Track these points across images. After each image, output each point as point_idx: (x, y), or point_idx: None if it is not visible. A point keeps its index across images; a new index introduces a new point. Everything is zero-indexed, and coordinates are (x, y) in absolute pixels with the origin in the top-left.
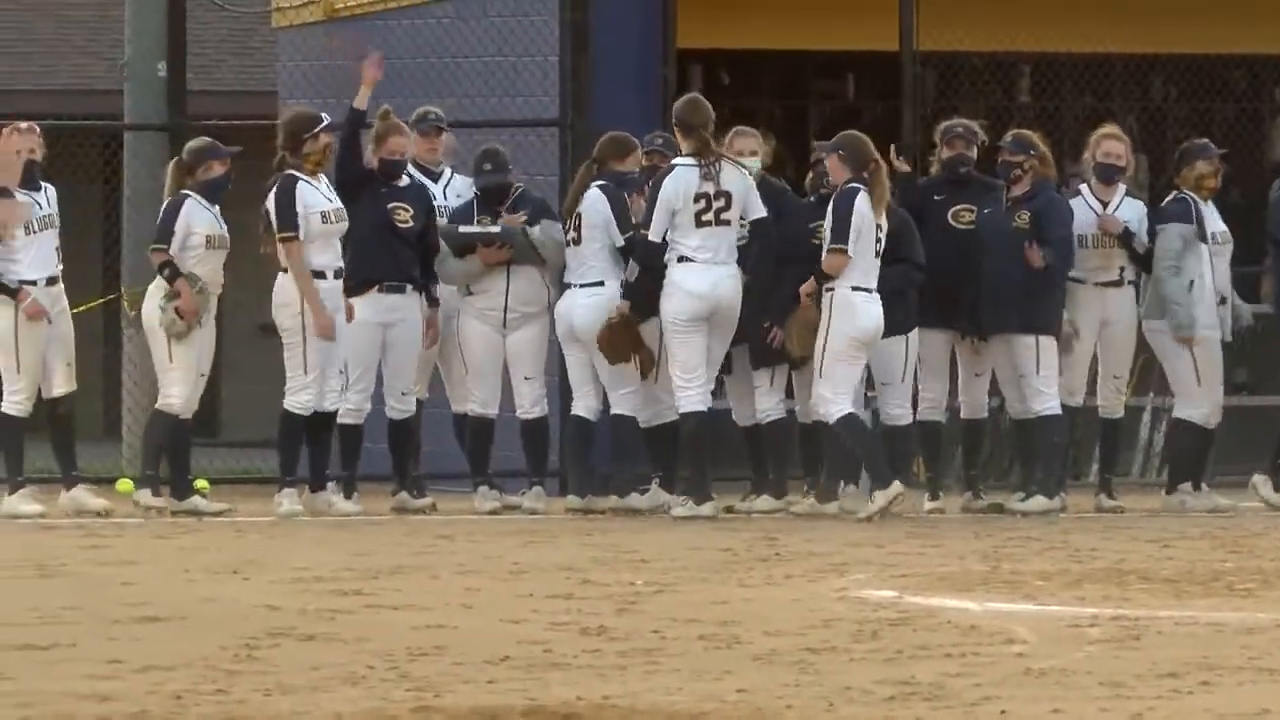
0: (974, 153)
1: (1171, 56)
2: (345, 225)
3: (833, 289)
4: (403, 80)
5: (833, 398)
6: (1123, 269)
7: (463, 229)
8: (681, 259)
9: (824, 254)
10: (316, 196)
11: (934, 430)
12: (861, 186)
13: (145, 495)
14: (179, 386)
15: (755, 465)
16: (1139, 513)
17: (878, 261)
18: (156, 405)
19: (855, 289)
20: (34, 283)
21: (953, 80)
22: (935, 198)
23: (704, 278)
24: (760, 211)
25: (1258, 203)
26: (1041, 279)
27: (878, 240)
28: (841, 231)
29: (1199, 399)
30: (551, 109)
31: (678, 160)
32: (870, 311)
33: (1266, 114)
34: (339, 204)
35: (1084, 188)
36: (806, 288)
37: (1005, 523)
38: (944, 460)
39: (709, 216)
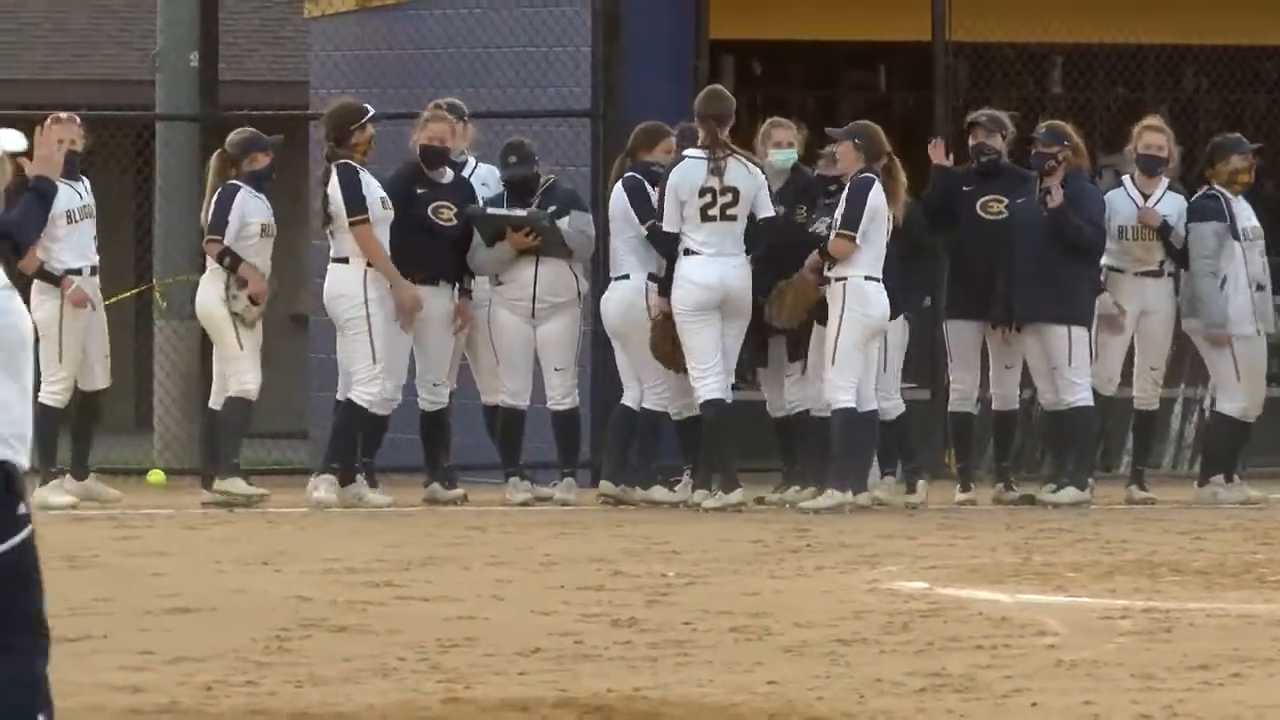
0: (997, 142)
1: (1203, 48)
2: (392, 215)
3: (845, 278)
4: (435, 71)
5: (844, 385)
6: (1162, 261)
7: (491, 210)
8: (688, 251)
9: (832, 237)
10: (373, 186)
11: (965, 421)
12: (876, 177)
13: (239, 484)
14: (251, 373)
15: (785, 456)
16: (1170, 504)
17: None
18: (230, 394)
19: (868, 278)
20: (78, 271)
21: (985, 71)
22: (964, 188)
23: (710, 269)
24: (768, 211)
25: None
26: (1073, 269)
27: (887, 232)
28: (853, 219)
29: (1238, 393)
30: (583, 99)
31: (687, 152)
32: (881, 301)
33: None
34: (385, 193)
35: (1126, 179)
36: (811, 262)
37: (1036, 514)
38: (975, 451)
39: (714, 211)
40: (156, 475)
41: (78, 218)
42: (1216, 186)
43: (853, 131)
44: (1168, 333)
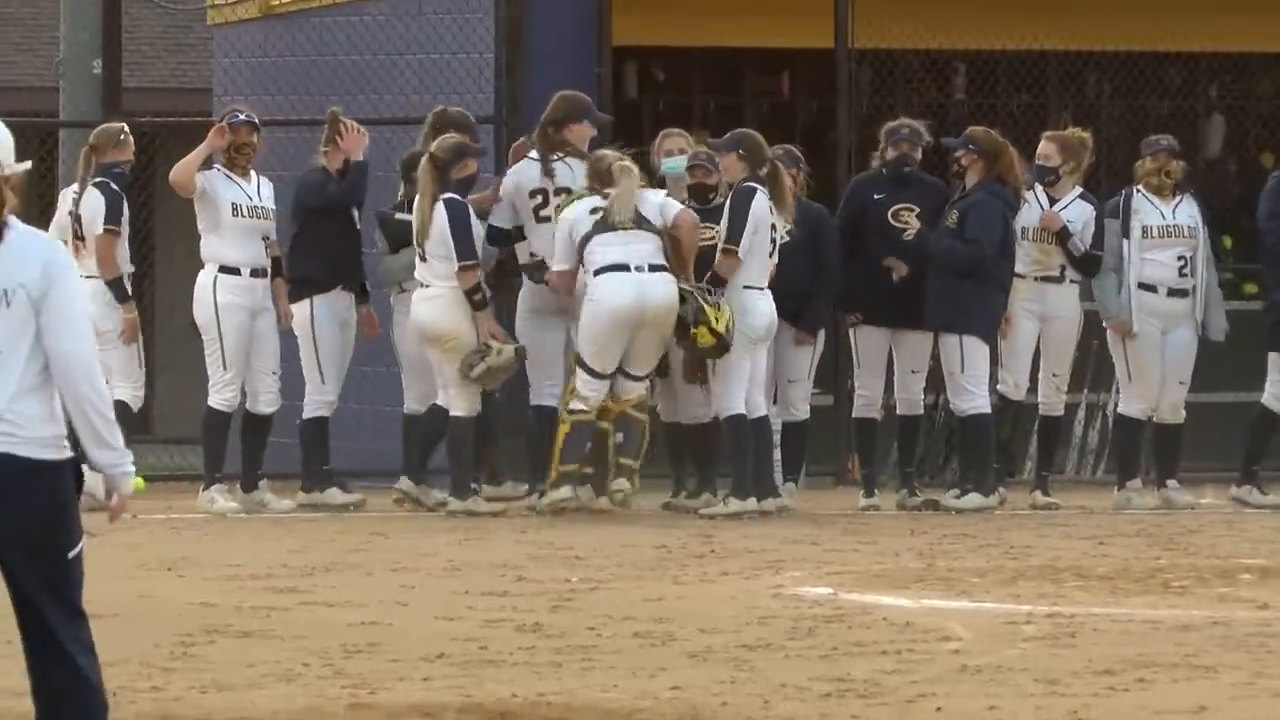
0: (919, 154)
1: (1106, 53)
2: (266, 224)
3: (724, 287)
4: (338, 78)
5: (732, 394)
6: (1063, 266)
7: (399, 215)
8: (531, 254)
9: (718, 255)
10: (230, 188)
11: (869, 427)
12: (759, 186)
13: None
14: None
15: (676, 462)
16: (1074, 510)
17: (772, 260)
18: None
19: (747, 288)
20: None
21: (888, 78)
22: (875, 196)
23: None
24: None
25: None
26: (967, 279)
27: (773, 240)
28: (736, 232)
29: (1132, 393)
30: (487, 106)
31: (530, 153)
32: (760, 309)
33: (1201, 111)
34: (262, 201)
35: (1038, 185)
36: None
37: (940, 520)
38: (879, 457)
39: (547, 212)
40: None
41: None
42: (1135, 187)
43: (735, 141)
44: (1070, 338)
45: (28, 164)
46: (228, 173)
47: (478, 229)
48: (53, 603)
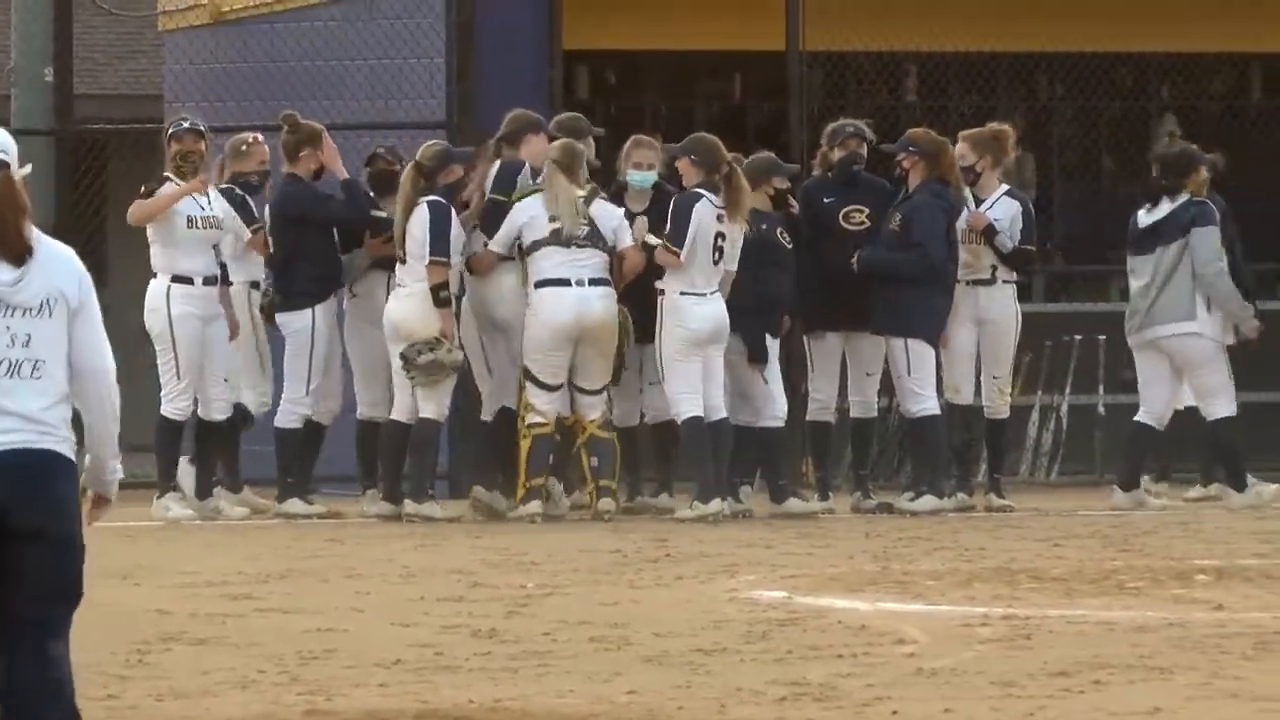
0: (864, 151)
1: (1057, 54)
2: (218, 233)
3: (663, 292)
4: (290, 84)
5: (682, 397)
6: (994, 267)
7: (373, 212)
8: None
9: (658, 250)
10: (186, 201)
11: (824, 430)
12: (704, 193)
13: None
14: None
15: (629, 466)
16: (1028, 512)
17: (719, 267)
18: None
19: (684, 293)
20: None
21: (839, 80)
22: (825, 200)
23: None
24: None
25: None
26: (903, 283)
27: (719, 247)
28: (679, 235)
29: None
30: (438, 111)
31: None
32: (700, 313)
33: (1153, 111)
34: (214, 211)
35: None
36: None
37: (895, 522)
38: (833, 460)
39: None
40: None
41: None
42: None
43: (688, 146)
44: (1008, 340)
45: (29, 168)
46: (178, 182)
47: (456, 232)
48: (61, 601)
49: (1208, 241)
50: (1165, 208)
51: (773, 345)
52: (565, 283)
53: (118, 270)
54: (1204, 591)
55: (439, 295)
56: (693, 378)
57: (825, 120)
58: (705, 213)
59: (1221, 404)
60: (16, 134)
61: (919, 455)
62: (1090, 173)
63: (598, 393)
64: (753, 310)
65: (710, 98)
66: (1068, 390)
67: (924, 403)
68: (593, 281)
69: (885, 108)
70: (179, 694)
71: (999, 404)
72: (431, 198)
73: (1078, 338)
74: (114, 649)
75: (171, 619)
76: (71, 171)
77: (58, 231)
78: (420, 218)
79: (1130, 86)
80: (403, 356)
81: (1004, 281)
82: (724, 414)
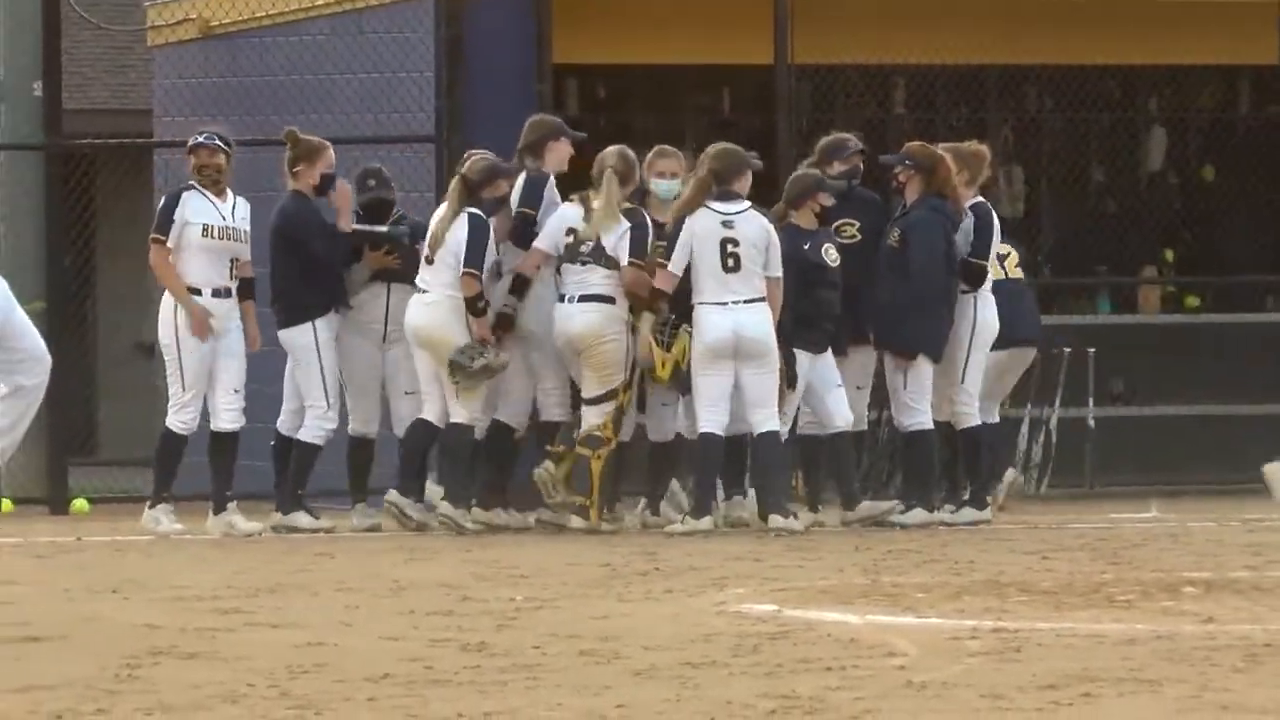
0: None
1: (1045, 67)
2: (238, 246)
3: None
4: (279, 98)
5: (700, 411)
6: None
7: (355, 226)
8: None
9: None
10: (205, 208)
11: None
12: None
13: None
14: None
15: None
16: (1018, 524)
17: (729, 274)
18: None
19: (700, 304)
20: None
21: (828, 93)
22: None
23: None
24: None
25: (1132, 213)
26: (899, 299)
27: (732, 253)
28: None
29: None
30: (427, 125)
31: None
32: (714, 322)
33: (1141, 124)
34: (234, 223)
35: None
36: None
37: (884, 535)
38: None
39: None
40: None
41: None
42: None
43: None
44: (957, 352)
45: None
46: (204, 191)
47: (490, 252)
48: None
49: None
50: None
51: (824, 359)
52: (561, 299)
53: (106, 285)
54: (1193, 604)
55: (476, 305)
56: (713, 391)
57: (815, 134)
58: (703, 225)
59: None
60: (5, 149)
61: (910, 469)
62: (1079, 185)
63: (592, 403)
64: (788, 329)
65: (699, 112)
66: (1057, 403)
67: (917, 417)
68: (583, 298)
69: (874, 120)
70: (168, 708)
71: (962, 416)
72: (472, 210)
73: (1067, 350)
74: (103, 663)
75: (161, 633)
76: (60, 186)
77: (47, 247)
78: (459, 228)
79: (1119, 99)
80: (453, 362)
81: (962, 291)
82: (768, 429)
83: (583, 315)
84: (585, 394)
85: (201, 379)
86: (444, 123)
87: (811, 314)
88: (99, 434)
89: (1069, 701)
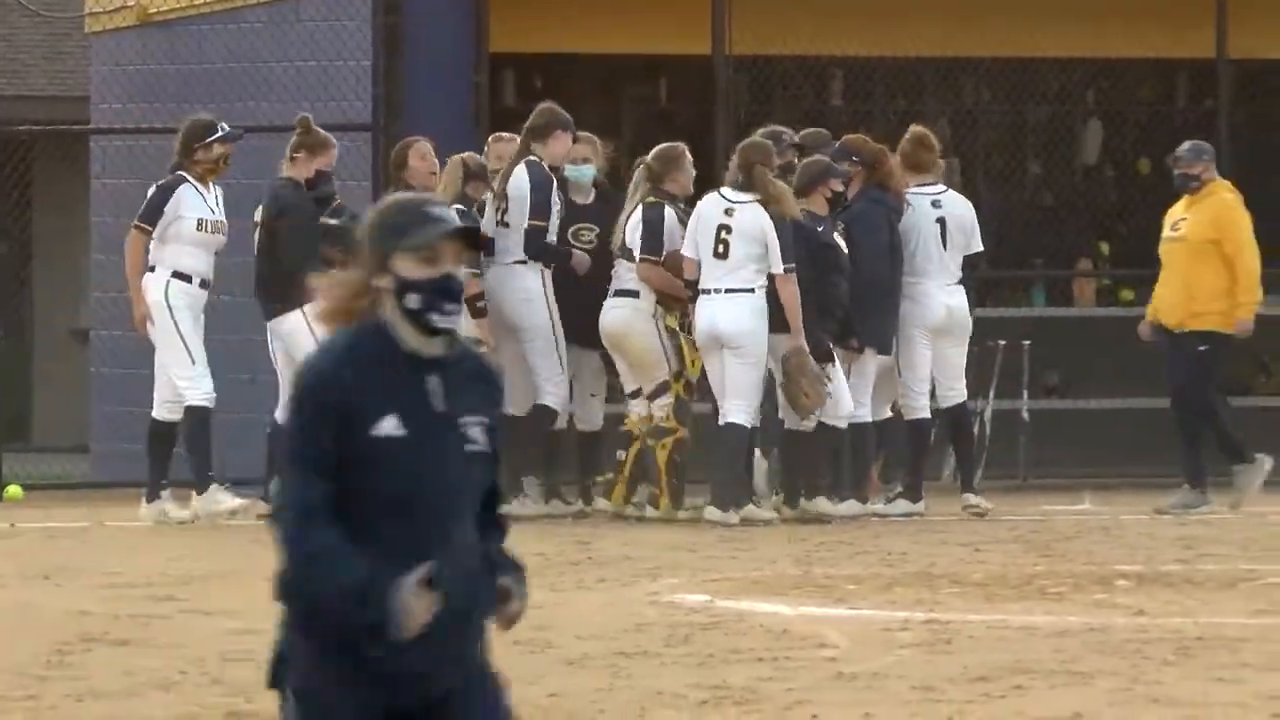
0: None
1: (983, 59)
2: (222, 239)
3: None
4: (216, 85)
5: (720, 402)
6: None
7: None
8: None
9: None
10: (197, 201)
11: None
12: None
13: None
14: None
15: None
16: (949, 516)
17: (716, 260)
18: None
19: (700, 291)
20: None
21: (765, 84)
22: None
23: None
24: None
25: (1069, 205)
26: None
27: (723, 240)
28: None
29: None
30: (364, 113)
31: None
32: (699, 314)
33: (1078, 116)
34: (221, 216)
35: None
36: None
37: (817, 527)
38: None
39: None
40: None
41: None
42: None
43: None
44: (905, 341)
45: None
46: (196, 184)
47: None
48: None
49: None
50: None
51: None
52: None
53: (43, 272)
54: (1125, 597)
55: (475, 305)
56: (715, 379)
57: (751, 125)
58: (705, 206)
59: None
60: None
61: (853, 461)
62: (1015, 177)
63: (632, 396)
64: (814, 314)
65: (636, 102)
66: (991, 395)
67: (857, 410)
68: (615, 293)
69: (811, 112)
70: (100, 695)
71: (912, 407)
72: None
73: (1002, 342)
74: (35, 649)
75: (93, 619)
76: None
77: None
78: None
79: (1056, 91)
80: None
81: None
82: (732, 420)
83: (612, 310)
84: (627, 388)
85: (202, 347)
86: (381, 111)
87: (828, 300)
88: (33, 421)
89: (1000, 693)
